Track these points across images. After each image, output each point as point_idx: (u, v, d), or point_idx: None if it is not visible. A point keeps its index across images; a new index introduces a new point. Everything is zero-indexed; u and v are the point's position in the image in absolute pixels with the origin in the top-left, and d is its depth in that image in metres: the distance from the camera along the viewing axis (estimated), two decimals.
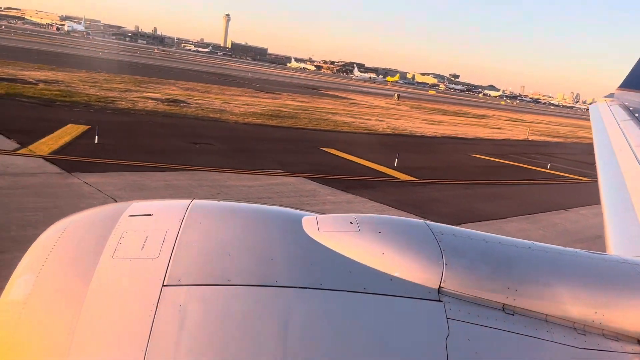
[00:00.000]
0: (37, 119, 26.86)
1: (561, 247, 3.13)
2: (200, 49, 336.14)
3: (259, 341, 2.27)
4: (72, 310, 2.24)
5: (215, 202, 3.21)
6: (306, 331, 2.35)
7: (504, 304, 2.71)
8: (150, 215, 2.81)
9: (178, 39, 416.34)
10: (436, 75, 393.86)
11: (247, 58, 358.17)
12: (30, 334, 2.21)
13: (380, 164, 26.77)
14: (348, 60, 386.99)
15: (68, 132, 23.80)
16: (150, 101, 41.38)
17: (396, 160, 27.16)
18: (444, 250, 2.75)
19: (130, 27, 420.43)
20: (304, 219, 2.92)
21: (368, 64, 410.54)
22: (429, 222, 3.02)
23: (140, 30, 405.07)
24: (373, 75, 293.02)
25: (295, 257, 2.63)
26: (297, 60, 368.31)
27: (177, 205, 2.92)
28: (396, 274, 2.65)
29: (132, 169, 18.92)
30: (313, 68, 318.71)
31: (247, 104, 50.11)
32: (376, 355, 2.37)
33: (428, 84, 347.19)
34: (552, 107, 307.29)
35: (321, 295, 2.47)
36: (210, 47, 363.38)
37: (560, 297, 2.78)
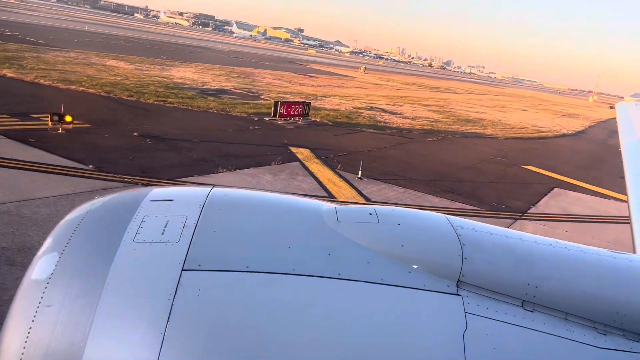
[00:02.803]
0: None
1: (584, 246, 3.09)
2: None
3: (275, 328, 2.31)
4: (93, 291, 2.29)
5: (235, 189, 3.23)
6: (323, 320, 2.37)
7: (523, 300, 2.70)
8: (171, 200, 2.86)
9: None
10: (288, 30, 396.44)
11: (86, 6, 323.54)
12: (53, 312, 2.26)
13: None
14: (197, 12, 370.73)
15: None
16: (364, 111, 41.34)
17: None
18: (463, 244, 2.75)
19: None
20: (323, 209, 2.95)
21: (218, 15, 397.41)
22: (449, 216, 3.04)
23: None
24: (254, 33, 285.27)
25: (314, 247, 2.65)
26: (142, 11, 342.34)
27: (198, 191, 2.99)
28: (415, 267, 2.65)
29: None
30: (187, 23, 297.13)
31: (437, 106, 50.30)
32: (393, 347, 2.38)
33: (281, 38, 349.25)
34: (394, 62, 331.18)
35: (339, 285, 2.49)
36: None
37: (582, 295, 2.77)
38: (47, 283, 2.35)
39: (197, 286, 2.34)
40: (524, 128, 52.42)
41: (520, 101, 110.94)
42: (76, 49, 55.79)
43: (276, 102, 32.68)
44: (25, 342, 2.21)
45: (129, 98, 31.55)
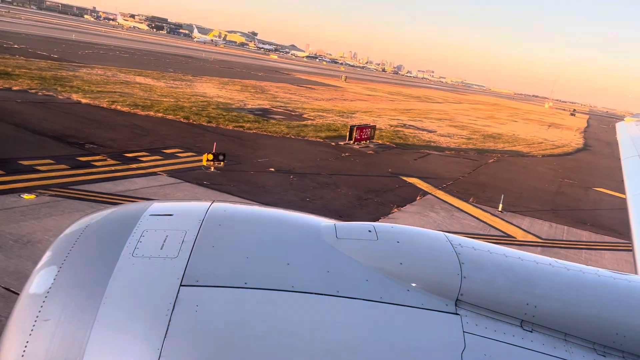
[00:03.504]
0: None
1: (583, 266, 3.07)
2: None
3: (273, 345, 2.29)
4: (91, 305, 2.29)
5: (234, 205, 3.23)
6: (320, 338, 2.36)
7: (522, 320, 2.68)
8: (170, 215, 2.88)
9: None
10: (244, 34, 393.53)
11: (32, 7, 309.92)
12: (50, 326, 2.24)
13: None
14: (149, 14, 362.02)
15: None
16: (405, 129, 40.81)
17: None
18: (462, 263, 2.74)
19: None
20: (322, 226, 2.97)
21: (171, 18, 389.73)
22: (448, 234, 3.04)
23: None
24: (215, 38, 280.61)
25: (312, 263, 2.66)
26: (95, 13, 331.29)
27: (197, 206, 3.01)
28: (413, 285, 2.64)
29: None
30: (145, 27, 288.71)
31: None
32: None
33: (236, 42, 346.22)
34: (350, 67, 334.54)
35: (337, 302, 2.48)
36: None
37: (581, 316, 2.75)
38: (45, 297, 2.34)
39: (195, 302, 2.34)
40: (541, 143, 55.08)
41: (498, 110, 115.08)
42: (94, 64, 54.43)
43: (352, 127, 33.49)
44: (22, 356, 2.20)
45: (208, 124, 31.59)
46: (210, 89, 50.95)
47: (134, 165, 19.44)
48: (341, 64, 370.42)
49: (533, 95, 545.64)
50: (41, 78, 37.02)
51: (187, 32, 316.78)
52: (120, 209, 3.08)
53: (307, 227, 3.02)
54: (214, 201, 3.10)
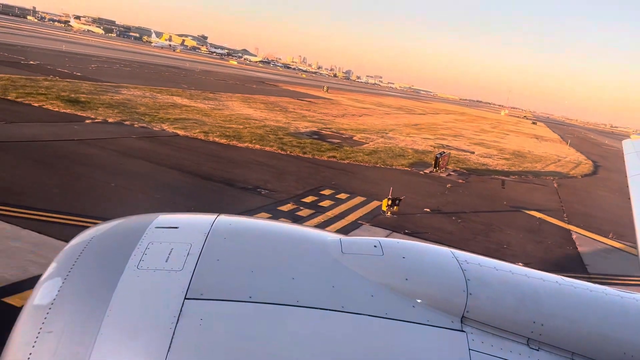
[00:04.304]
0: None
1: (591, 284, 3.06)
2: None
3: None
4: (95, 318, 2.27)
5: (240, 218, 3.26)
6: (325, 353, 2.33)
7: (529, 339, 2.64)
8: (176, 228, 2.88)
9: None
10: (195, 38, 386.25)
11: None
12: (54, 339, 2.22)
13: None
14: (95, 16, 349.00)
15: None
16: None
17: None
18: (468, 279, 2.72)
19: None
20: (327, 240, 2.98)
21: (119, 20, 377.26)
22: (454, 250, 3.04)
23: None
24: (174, 43, 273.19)
25: (318, 278, 2.64)
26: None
27: (203, 219, 3.01)
28: (419, 301, 2.61)
29: None
30: (100, 31, 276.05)
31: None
32: None
33: (188, 46, 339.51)
34: (302, 72, 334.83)
35: (342, 318, 2.46)
36: None
37: (589, 335, 2.72)
38: (49, 309, 2.33)
39: (199, 315, 2.33)
40: (559, 161, 57.41)
41: (475, 120, 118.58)
42: (118, 82, 52.70)
43: (437, 156, 34.29)
44: None
45: (304, 155, 31.58)
46: (242, 109, 50.48)
47: (329, 214, 19.51)
48: (293, 69, 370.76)
49: (477, 101, 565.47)
50: (110, 105, 35.82)
51: (137, 35, 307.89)
52: (126, 221, 3.06)
53: (312, 242, 3.02)
54: (219, 214, 3.10)
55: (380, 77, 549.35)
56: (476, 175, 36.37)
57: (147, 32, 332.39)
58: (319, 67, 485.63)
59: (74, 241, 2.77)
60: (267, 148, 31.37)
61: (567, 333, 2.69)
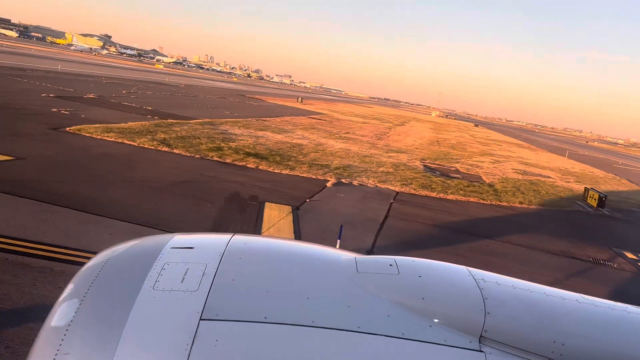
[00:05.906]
0: None
1: (611, 302, 3.00)
2: None
3: None
4: (111, 339, 2.29)
5: (254, 237, 3.26)
6: None
7: (549, 359, 2.58)
8: (191, 248, 2.91)
9: None
10: (101, 38, 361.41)
11: None
12: None
13: None
14: None
15: None
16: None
17: None
18: (486, 298, 2.68)
19: None
20: (342, 259, 2.98)
21: (14, 19, 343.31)
22: (470, 269, 3.00)
23: None
24: (95, 46, 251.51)
25: (333, 298, 2.64)
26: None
27: (218, 239, 3.04)
28: (436, 320, 2.59)
29: None
30: (15, 34, 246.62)
31: None
32: None
33: (92, 47, 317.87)
34: (215, 72, 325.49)
35: (358, 338, 2.44)
36: None
37: (610, 355, 2.67)
38: (67, 330, 2.36)
39: (214, 336, 2.35)
40: (575, 171, 55.32)
41: (441, 127, 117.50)
42: (204, 115, 47.85)
43: (601, 195, 31.25)
44: None
45: (483, 202, 29.77)
46: (314, 136, 47.55)
47: None
48: (207, 69, 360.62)
49: (384, 99, 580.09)
50: (236, 151, 29.85)
51: (39, 35, 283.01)
52: (142, 242, 3.09)
53: (327, 261, 3.04)
54: (234, 234, 3.12)
55: (290, 76, 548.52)
56: (612, 209, 33.49)
57: (51, 32, 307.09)
58: (232, 68, 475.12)
59: (91, 262, 2.77)
60: (462, 198, 29.70)
61: (589, 353, 2.63)
